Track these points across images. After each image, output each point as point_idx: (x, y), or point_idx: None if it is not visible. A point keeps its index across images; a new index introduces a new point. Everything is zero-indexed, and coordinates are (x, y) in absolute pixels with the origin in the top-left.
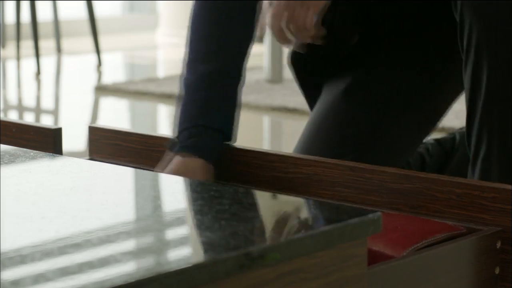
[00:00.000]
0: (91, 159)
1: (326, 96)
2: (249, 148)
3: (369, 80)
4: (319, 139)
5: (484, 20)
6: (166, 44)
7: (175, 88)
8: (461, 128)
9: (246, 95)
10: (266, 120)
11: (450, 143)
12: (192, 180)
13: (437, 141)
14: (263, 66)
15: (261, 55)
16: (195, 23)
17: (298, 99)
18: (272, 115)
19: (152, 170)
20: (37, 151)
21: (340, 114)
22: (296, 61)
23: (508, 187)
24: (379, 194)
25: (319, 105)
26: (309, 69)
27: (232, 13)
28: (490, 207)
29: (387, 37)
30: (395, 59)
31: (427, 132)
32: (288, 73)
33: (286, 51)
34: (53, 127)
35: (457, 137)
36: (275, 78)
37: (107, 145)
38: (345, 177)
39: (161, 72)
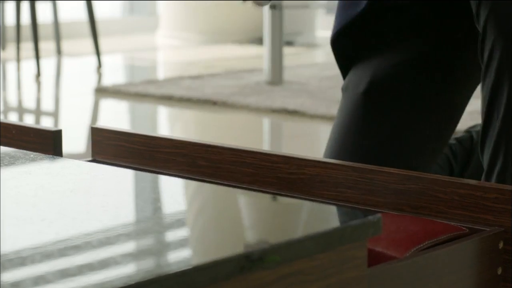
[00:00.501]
0: (93, 160)
1: (347, 100)
2: (252, 150)
3: (388, 79)
4: (345, 150)
5: (509, 39)
6: (166, 46)
7: (175, 90)
8: (472, 127)
9: (246, 97)
10: (266, 122)
11: (469, 142)
12: (191, 181)
13: (458, 140)
14: (263, 68)
15: (261, 57)
16: None
17: (298, 101)
18: (272, 117)
19: (155, 172)
20: (37, 153)
21: (361, 121)
22: (337, 42)
23: (510, 187)
24: (382, 195)
25: (341, 111)
26: (347, 52)
27: None
28: (492, 207)
29: (405, 31)
30: (414, 54)
31: (451, 130)
32: (288, 74)
33: (286, 52)
34: (53, 129)
35: (474, 136)
36: (275, 80)
37: (110, 146)
38: (348, 178)
39: (161, 74)
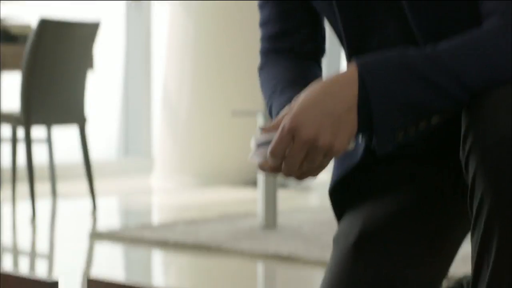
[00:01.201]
0: None
1: (337, 252)
2: None
3: (377, 230)
4: None
5: (498, 194)
6: (160, 189)
7: (170, 235)
8: (465, 275)
9: (240, 241)
10: (260, 268)
11: None
12: None
13: None
14: (257, 212)
15: (254, 201)
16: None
17: (291, 247)
18: (266, 262)
19: None
20: None
21: (351, 273)
22: (335, 192)
23: None
24: None
25: (331, 265)
26: (343, 201)
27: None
28: None
29: (396, 180)
30: (404, 204)
31: (442, 275)
32: (282, 219)
33: (280, 197)
34: (49, 280)
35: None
36: (269, 224)
37: None
38: None
39: (155, 218)
